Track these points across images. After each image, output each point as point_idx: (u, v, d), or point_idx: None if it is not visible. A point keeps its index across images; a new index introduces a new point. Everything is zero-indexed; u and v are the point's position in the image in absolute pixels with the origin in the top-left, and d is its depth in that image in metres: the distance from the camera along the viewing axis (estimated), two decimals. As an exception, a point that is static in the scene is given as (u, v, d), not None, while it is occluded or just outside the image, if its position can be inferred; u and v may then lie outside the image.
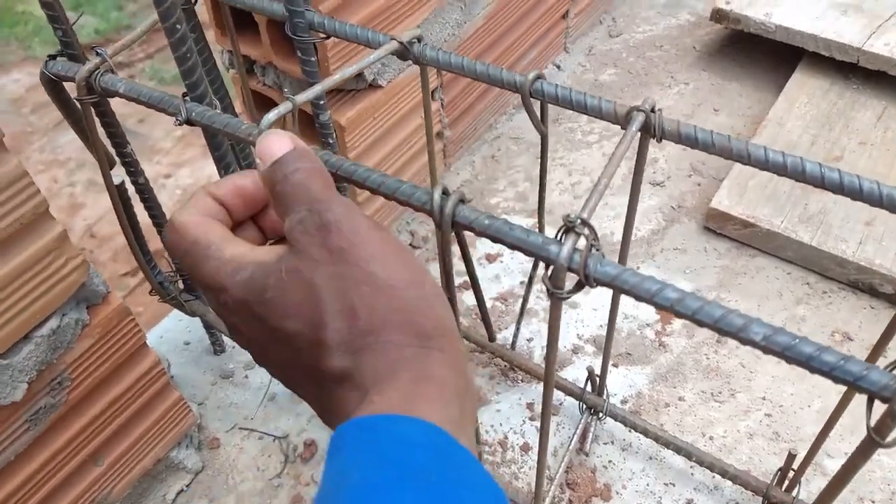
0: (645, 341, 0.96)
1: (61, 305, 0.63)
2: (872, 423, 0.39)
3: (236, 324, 0.36)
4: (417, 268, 0.36)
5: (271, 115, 0.53)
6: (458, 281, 0.75)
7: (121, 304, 0.69)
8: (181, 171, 3.51)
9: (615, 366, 0.93)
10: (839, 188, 0.48)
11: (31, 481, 0.67)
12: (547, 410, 0.57)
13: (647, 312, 0.99)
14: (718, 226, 1.06)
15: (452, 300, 0.55)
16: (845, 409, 0.64)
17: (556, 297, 0.45)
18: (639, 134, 0.54)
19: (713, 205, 1.05)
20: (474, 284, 0.54)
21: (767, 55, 1.35)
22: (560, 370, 0.94)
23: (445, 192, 0.47)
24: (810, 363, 0.39)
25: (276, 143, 0.36)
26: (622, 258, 0.67)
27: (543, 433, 0.59)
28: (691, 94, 1.32)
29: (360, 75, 0.87)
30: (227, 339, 0.99)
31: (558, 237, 0.45)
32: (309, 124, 0.89)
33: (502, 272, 1.05)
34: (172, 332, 1.02)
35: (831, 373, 0.39)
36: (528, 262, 1.05)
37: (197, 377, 0.97)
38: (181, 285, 0.89)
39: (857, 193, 0.48)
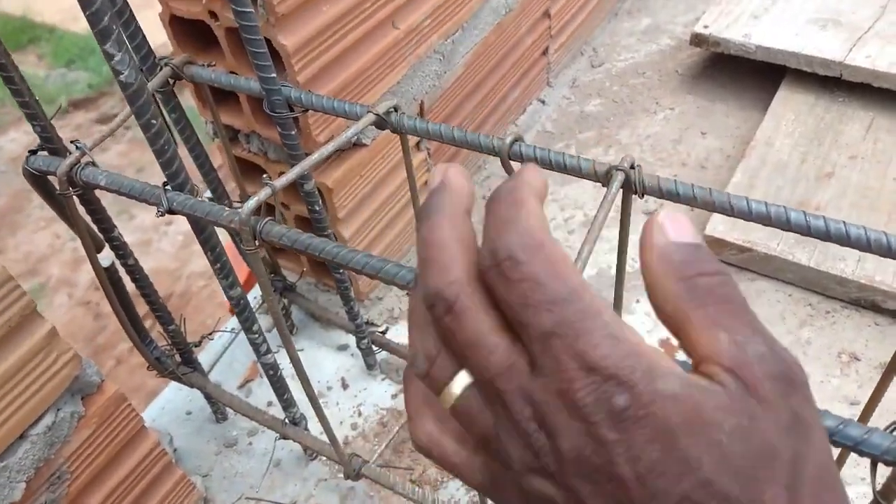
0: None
1: (55, 401, 0.62)
2: (878, 486, 0.38)
3: (600, 443, 0.22)
4: None
5: (251, 203, 0.53)
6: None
7: (116, 391, 0.68)
8: (181, 219, 3.55)
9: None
10: (826, 235, 0.48)
11: (36, 580, 0.66)
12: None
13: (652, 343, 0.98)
14: (715, 252, 1.05)
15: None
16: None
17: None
18: (621, 191, 0.54)
19: (708, 231, 1.05)
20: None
21: (750, 74, 1.35)
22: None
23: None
24: (809, 431, 0.38)
25: (684, 228, 0.26)
26: (617, 303, 0.66)
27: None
28: (678, 118, 1.32)
29: (342, 136, 0.87)
30: (228, 408, 0.98)
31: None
32: (293, 189, 0.89)
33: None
34: (173, 403, 1.01)
35: (831, 438, 0.38)
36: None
37: (201, 447, 0.96)
38: (178, 359, 0.89)
39: (844, 240, 0.47)
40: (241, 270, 2.21)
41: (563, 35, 1.34)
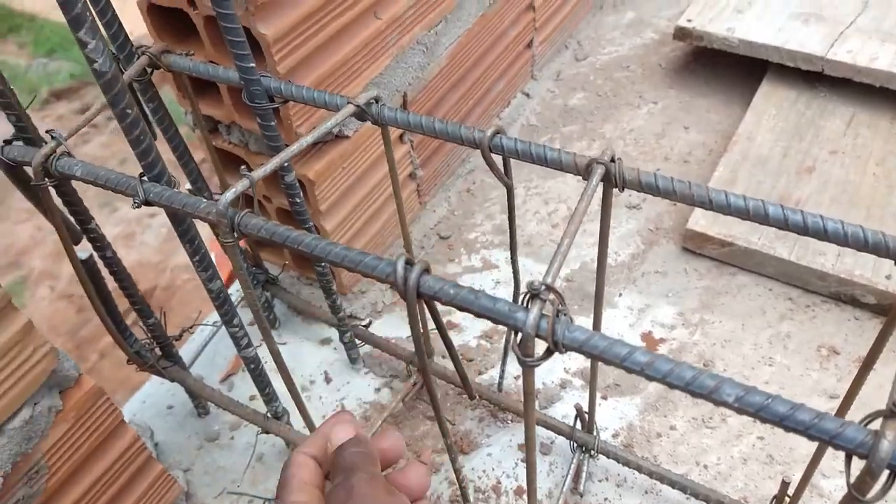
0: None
1: (32, 395, 0.61)
2: (852, 479, 0.38)
3: None
4: None
5: (229, 195, 0.52)
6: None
7: (94, 386, 0.68)
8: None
9: (604, 398, 0.93)
10: (803, 230, 0.48)
11: (12, 576, 0.65)
12: (532, 475, 0.56)
13: (634, 339, 0.98)
14: (697, 246, 1.06)
15: (425, 369, 0.54)
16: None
17: (527, 366, 0.44)
18: (601, 185, 0.54)
19: (690, 226, 1.05)
20: (449, 349, 0.53)
21: (733, 68, 1.36)
22: (548, 407, 0.93)
23: (409, 263, 0.47)
24: (784, 423, 0.38)
25: (342, 432, 0.46)
26: (598, 302, 0.66)
27: (531, 494, 0.58)
28: (661, 112, 1.32)
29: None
30: (211, 403, 0.98)
31: (524, 303, 0.44)
32: (274, 182, 0.88)
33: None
34: (154, 397, 1.00)
35: (807, 431, 0.38)
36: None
37: (182, 442, 0.95)
38: (158, 352, 0.88)
39: (821, 234, 0.47)
40: (226, 263, 2.18)
41: (548, 28, 1.34)
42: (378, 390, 0.98)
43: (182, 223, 0.63)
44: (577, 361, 0.97)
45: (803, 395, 0.90)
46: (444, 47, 1.03)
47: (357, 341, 0.97)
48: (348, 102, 0.60)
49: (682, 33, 1.30)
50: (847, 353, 0.94)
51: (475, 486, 0.86)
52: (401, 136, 1.02)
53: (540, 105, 1.36)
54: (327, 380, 1.00)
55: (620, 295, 1.04)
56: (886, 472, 0.36)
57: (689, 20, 1.30)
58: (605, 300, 1.04)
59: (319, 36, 0.78)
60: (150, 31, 0.81)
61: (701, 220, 1.05)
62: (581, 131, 1.31)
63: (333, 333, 1.03)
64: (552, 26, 1.36)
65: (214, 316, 1.08)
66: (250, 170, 0.55)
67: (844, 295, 0.98)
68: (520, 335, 0.44)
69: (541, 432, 0.89)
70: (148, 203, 0.56)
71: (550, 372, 0.96)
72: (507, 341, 0.87)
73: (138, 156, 0.57)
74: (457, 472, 0.66)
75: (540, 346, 0.44)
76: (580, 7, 1.46)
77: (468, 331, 1.03)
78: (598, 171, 0.52)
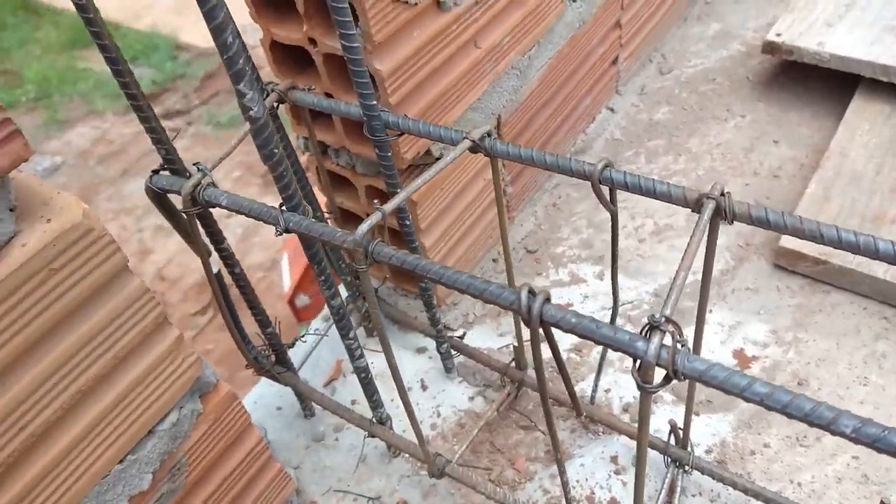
0: (723, 387, 0.97)
1: (179, 400, 0.69)
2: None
3: None
4: None
5: (364, 227, 0.57)
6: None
7: (229, 391, 0.75)
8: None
9: (696, 414, 0.94)
10: (916, 264, 0.50)
11: (158, 560, 0.72)
12: (640, 491, 0.59)
13: (725, 357, 1.00)
14: (790, 263, 1.06)
15: (544, 393, 0.58)
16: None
17: (646, 391, 0.47)
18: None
19: (783, 243, 1.05)
20: (562, 370, 0.57)
21: (823, 81, 1.34)
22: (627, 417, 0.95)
23: (532, 293, 0.51)
24: (902, 454, 0.40)
25: None
26: (699, 326, 0.69)
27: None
28: (749, 126, 1.32)
29: (427, 151, 0.92)
30: (315, 405, 1.04)
31: (644, 333, 0.47)
32: (379, 195, 0.94)
33: (574, 323, 1.08)
34: (265, 398, 1.08)
35: (874, 445, 0.40)
36: (600, 313, 1.08)
37: (291, 441, 1.03)
38: (273, 358, 0.95)
39: (934, 269, 0.49)
40: (299, 265, 2.25)
41: (633, 43, 1.36)
42: (472, 399, 1.03)
43: (311, 247, 0.69)
44: (667, 376, 0.99)
45: (902, 416, 0.90)
46: (535, 70, 1.06)
47: (452, 352, 1.02)
48: (464, 138, 0.65)
49: (770, 47, 1.30)
50: (948, 375, 0.93)
51: (570, 495, 0.90)
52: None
53: (624, 119, 1.38)
54: (423, 387, 1.05)
55: (710, 311, 1.05)
56: None
57: (777, 34, 1.30)
58: (694, 316, 1.06)
59: (426, 68, 0.84)
60: (270, 65, 0.88)
61: (795, 239, 1.05)
62: (666, 146, 1.32)
63: (428, 342, 1.08)
64: (637, 41, 1.37)
65: (315, 324, 1.15)
66: (357, 190, 0.60)
67: (945, 315, 0.96)
68: (639, 363, 0.47)
69: (633, 444, 0.92)
70: (288, 231, 0.62)
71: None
72: (602, 357, 0.90)
73: (280, 189, 0.63)
74: (564, 484, 0.70)
75: (652, 372, 0.47)
76: (665, 21, 1.47)
77: (559, 343, 1.06)
78: (710, 207, 0.54)
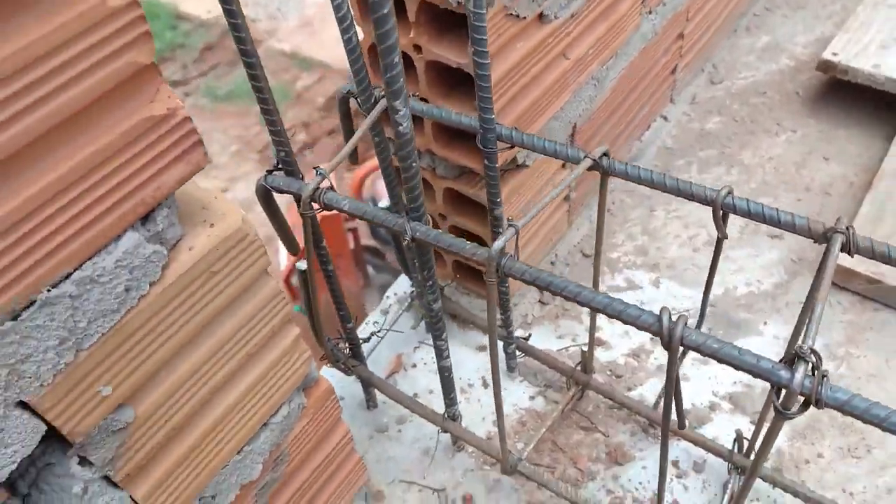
0: (779, 398, 1.01)
1: (292, 393, 0.71)
2: None
3: None
4: None
5: (500, 243, 0.60)
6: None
7: (328, 386, 0.77)
8: (238, 185, 3.63)
9: (753, 423, 0.98)
10: None
11: (256, 545, 0.75)
12: None
13: (779, 369, 1.03)
14: (843, 280, 1.10)
15: (671, 399, 0.61)
16: None
17: (785, 417, 0.51)
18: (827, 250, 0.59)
19: (839, 262, 1.09)
20: (677, 394, 0.60)
21: (874, 100, 1.37)
22: (699, 427, 0.99)
23: (671, 317, 0.54)
24: None
25: None
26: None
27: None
28: (800, 141, 1.35)
29: (514, 158, 0.94)
30: (379, 396, 1.07)
31: (786, 361, 0.51)
32: (460, 201, 0.97)
33: (632, 331, 1.11)
34: (328, 389, 1.10)
35: None
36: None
37: (354, 431, 1.05)
38: (348, 352, 0.98)
39: None
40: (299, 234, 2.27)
41: (691, 53, 1.38)
42: (532, 398, 1.06)
43: (425, 254, 0.72)
44: (725, 385, 1.03)
45: (951, 434, 0.94)
46: (610, 80, 1.09)
47: (518, 352, 1.05)
48: (585, 156, 0.67)
49: (826, 66, 1.33)
50: None
51: (633, 496, 0.93)
52: (563, 164, 1.09)
53: (676, 128, 1.41)
54: (485, 385, 1.08)
55: (765, 323, 1.09)
56: None
57: (834, 53, 1.32)
58: (746, 328, 1.10)
59: (524, 79, 0.86)
60: (368, 67, 0.89)
61: (849, 257, 1.09)
62: (718, 157, 1.35)
63: (486, 341, 1.11)
64: (695, 52, 1.40)
65: (373, 317, 1.18)
66: (453, 203, 0.63)
67: None
68: (783, 392, 0.50)
69: (693, 450, 0.96)
70: (414, 240, 0.65)
71: (699, 393, 1.02)
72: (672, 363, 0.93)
73: (409, 199, 0.65)
74: (661, 493, 0.73)
75: (794, 399, 0.50)
76: (720, 31, 1.49)
77: (616, 348, 1.09)
78: (839, 240, 0.57)
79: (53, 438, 0.50)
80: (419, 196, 0.65)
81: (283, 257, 2.61)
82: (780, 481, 0.87)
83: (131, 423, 0.54)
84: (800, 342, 0.50)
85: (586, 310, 1.15)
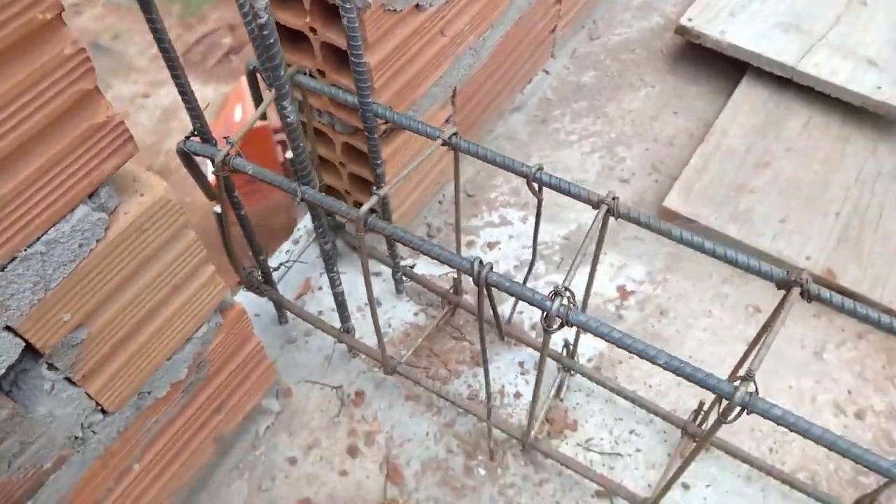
0: (607, 313, 1.28)
1: (210, 315, 0.92)
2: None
3: None
4: None
5: (365, 207, 0.80)
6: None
7: (240, 307, 0.98)
8: (160, 91, 3.51)
9: (584, 333, 1.25)
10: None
11: (177, 435, 0.98)
12: (536, 395, 0.88)
13: (610, 291, 1.30)
14: (668, 220, 1.36)
15: (483, 321, 0.85)
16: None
17: (547, 332, 0.75)
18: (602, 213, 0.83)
19: (665, 204, 1.35)
20: (494, 312, 0.84)
21: (722, 62, 1.60)
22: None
23: (481, 262, 0.77)
24: (679, 372, 0.70)
25: None
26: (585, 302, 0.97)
27: (535, 400, 0.91)
28: (657, 96, 1.58)
29: (397, 120, 1.12)
30: (289, 314, 1.29)
31: (550, 296, 0.74)
32: (354, 153, 1.15)
33: (501, 258, 1.35)
34: (246, 307, 1.31)
35: (687, 376, 0.70)
36: (521, 251, 1.35)
37: (268, 342, 1.27)
38: (261, 278, 1.18)
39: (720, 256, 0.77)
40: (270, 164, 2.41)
41: (571, 13, 1.56)
42: (416, 314, 1.30)
43: (315, 210, 0.91)
44: (568, 304, 1.29)
45: (729, 340, 1.24)
46: (487, 48, 1.27)
47: (404, 278, 1.27)
48: (438, 136, 0.87)
49: (682, 30, 1.54)
50: (766, 312, 1.27)
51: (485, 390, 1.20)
52: (447, 119, 1.28)
53: (556, 81, 1.61)
54: (378, 304, 1.31)
55: (605, 254, 1.35)
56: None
57: (689, 19, 1.53)
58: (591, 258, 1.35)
59: (404, 58, 1.03)
60: (271, 39, 1.04)
61: (675, 201, 1.35)
62: (588, 108, 1.57)
63: (383, 268, 1.33)
64: (574, 11, 1.58)
65: (286, 246, 1.38)
66: (351, 157, 0.83)
67: (772, 269, 1.29)
68: (545, 314, 0.74)
69: (537, 355, 1.22)
70: (304, 200, 0.84)
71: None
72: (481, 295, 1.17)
73: (298, 168, 0.84)
74: (488, 384, 0.99)
75: (553, 320, 0.74)
76: (599, -9, 1.67)
77: (487, 273, 1.33)
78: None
79: (29, 351, 0.70)
80: (307, 167, 0.84)
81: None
82: (596, 377, 1.15)
83: (85, 339, 0.74)
84: (561, 284, 0.73)
85: (464, 239, 1.38)
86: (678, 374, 0.70)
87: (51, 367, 0.73)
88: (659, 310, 1.28)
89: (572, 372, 1.17)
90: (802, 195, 1.36)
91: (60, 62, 0.56)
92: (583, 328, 0.73)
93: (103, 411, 0.82)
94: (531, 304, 0.75)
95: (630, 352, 0.71)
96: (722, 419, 0.71)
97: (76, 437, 0.80)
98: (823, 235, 1.29)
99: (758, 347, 0.77)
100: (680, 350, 1.23)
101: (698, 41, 1.53)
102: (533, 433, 1.11)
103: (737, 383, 0.68)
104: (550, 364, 1.22)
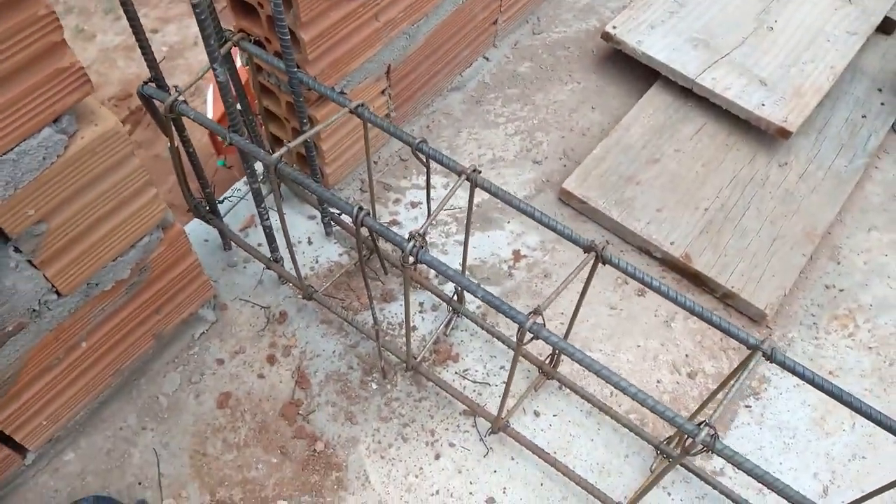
0: (500, 271, 1.51)
1: (150, 230, 1.14)
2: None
3: None
4: None
5: (276, 155, 1.02)
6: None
7: (180, 227, 1.20)
8: (168, 28, 3.62)
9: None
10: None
11: (120, 325, 1.20)
12: (407, 318, 1.11)
13: (507, 253, 1.53)
14: (566, 199, 1.58)
15: (408, 289, 1.07)
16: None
17: (405, 267, 0.98)
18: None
19: (564, 185, 1.57)
20: (382, 262, 1.06)
21: (640, 68, 1.81)
22: (445, 283, 1.48)
23: (360, 208, 0.99)
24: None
25: None
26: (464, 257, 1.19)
27: (407, 327, 1.14)
28: (580, 91, 1.79)
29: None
30: (232, 242, 1.51)
31: (409, 239, 0.97)
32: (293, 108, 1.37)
33: (420, 216, 1.57)
34: (196, 232, 1.53)
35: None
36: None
37: (213, 264, 1.50)
38: (208, 208, 1.40)
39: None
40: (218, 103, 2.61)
41: (513, 9, 1.76)
42: (341, 255, 1.52)
43: (244, 155, 1.13)
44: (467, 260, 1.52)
45: (597, 304, 1.47)
46: (422, 34, 1.47)
47: (332, 222, 1.49)
48: (348, 108, 1.09)
49: (606, 36, 1.74)
50: (633, 284, 1.50)
51: (388, 322, 1.43)
52: (382, 91, 1.49)
53: (495, 68, 1.81)
54: (310, 242, 1.53)
55: (509, 222, 1.57)
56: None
57: (614, 27, 1.74)
58: (496, 224, 1.58)
59: (337, 37, 1.24)
60: (230, 10, 1.25)
61: (572, 183, 1.57)
62: (519, 95, 1.78)
63: (317, 212, 1.55)
64: (517, 7, 1.78)
65: (238, 184, 1.60)
66: (280, 102, 1.04)
67: (643, 248, 1.52)
68: (403, 254, 0.97)
69: (434, 298, 1.45)
70: (231, 144, 1.06)
71: (452, 263, 1.51)
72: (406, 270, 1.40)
73: (229, 115, 1.06)
74: (374, 311, 1.21)
75: (409, 258, 0.97)
76: (544, -9, 1.86)
77: (405, 226, 1.56)
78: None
79: (1, 236, 0.92)
80: (236, 118, 1.05)
81: (209, 109, 2.86)
82: (478, 321, 1.38)
83: (45, 232, 0.96)
84: (417, 230, 0.96)
85: (392, 196, 1.60)
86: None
87: (17, 249, 0.95)
88: (544, 273, 1.51)
89: (460, 314, 1.41)
90: (680, 190, 1.58)
91: (35, 20, 0.77)
92: (429, 266, 0.96)
93: (58, 293, 1.04)
94: (393, 243, 0.97)
95: (465, 289, 0.94)
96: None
97: (33, 310, 1.02)
98: (689, 225, 1.52)
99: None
100: (556, 305, 1.47)
101: (619, 48, 1.74)
102: (418, 359, 1.34)
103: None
104: (444, 306, 1.46)
